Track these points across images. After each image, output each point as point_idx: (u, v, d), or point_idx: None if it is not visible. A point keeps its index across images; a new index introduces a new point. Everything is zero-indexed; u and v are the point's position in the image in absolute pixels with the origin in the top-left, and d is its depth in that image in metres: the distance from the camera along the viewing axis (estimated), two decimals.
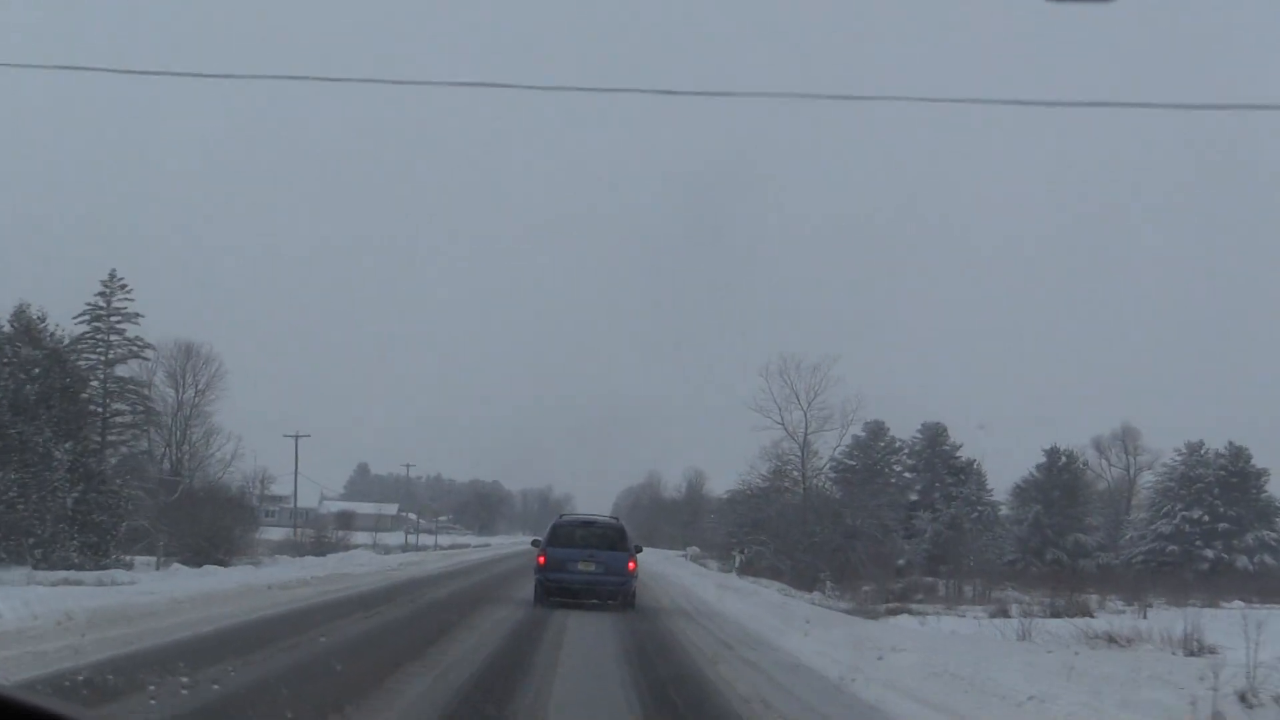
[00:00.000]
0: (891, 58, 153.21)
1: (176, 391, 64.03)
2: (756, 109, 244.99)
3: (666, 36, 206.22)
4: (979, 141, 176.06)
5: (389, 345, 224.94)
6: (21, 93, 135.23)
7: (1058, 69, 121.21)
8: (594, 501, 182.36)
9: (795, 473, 63.51)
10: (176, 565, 32.04)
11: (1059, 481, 77.62)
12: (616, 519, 28.00)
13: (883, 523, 57.00)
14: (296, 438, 69.08)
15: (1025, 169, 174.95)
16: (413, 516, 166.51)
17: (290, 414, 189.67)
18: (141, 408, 44.85)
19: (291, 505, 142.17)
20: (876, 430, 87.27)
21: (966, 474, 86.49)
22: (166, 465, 62.87)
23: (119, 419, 43.69)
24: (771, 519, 56.45)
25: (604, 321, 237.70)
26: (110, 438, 42.96)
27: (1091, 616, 32.10)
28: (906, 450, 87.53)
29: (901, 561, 66.71)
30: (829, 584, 46.29)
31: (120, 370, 43.72)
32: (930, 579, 48.15)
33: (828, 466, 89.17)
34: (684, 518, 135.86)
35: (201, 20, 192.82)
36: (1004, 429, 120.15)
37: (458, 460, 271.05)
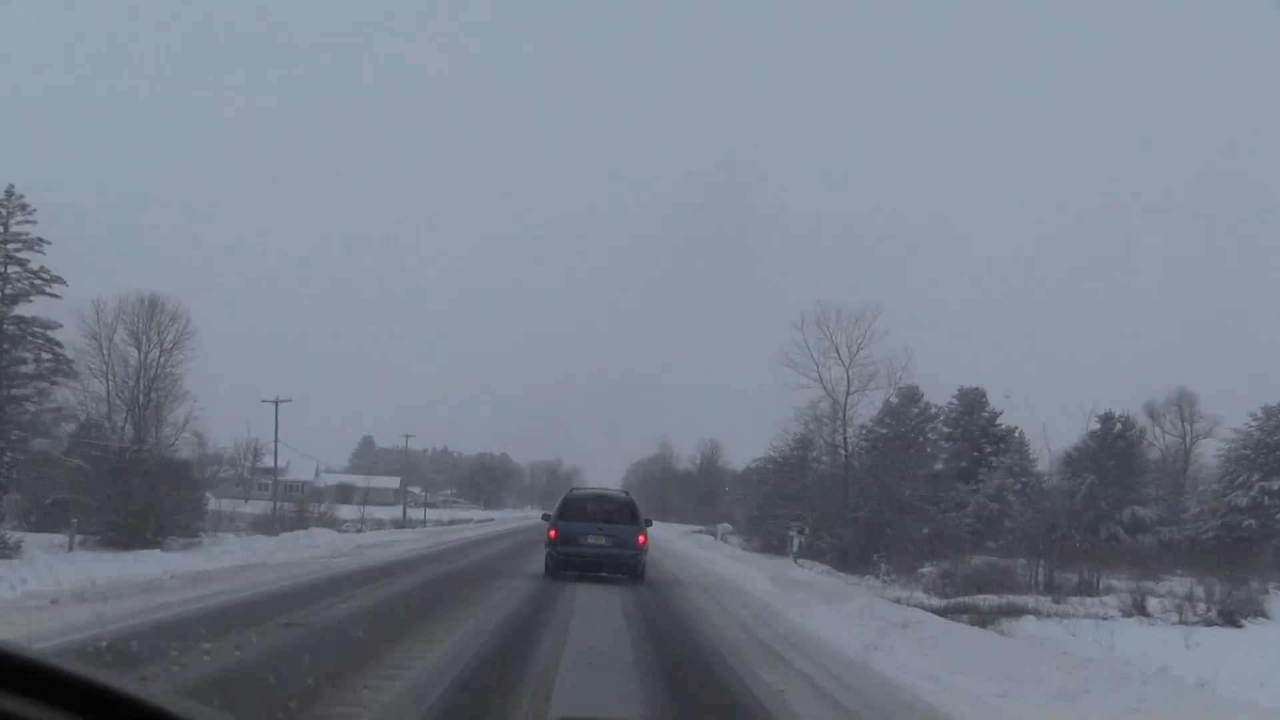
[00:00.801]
0: None
1: (139, 351, 57.70)
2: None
3: None
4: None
5: (396, 317, 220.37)
6: None
7: None
8: (604, 474, 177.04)
9: (835, 437, 56.32)
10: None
11: (1114, 450, 70.79)
12: (627, 493, 27.53)
13: (933, 494, 50.02)
14: (276, 403, 62.67)
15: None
16: (415, 490, 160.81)
17: (293, 387, 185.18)
18: (49, 355, 37.85)
19: (286, 478, 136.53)
20: (910, 395, 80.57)
21: (1006, 443, 79.88)
22: (130, 432, 56.68)
23: (22, 369, 36.69)
24: (808, 491, 49.55)
25: (616, 291, 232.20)
26: (13, 390, 36.16)
27: None
28: (942, 417, 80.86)
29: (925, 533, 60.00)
30: (884, 567, 39.63)
31: (22, 310, 36.56)
32: (997, 560, 41.50)
33: (859, 434, 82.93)
34: (698, 491, 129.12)
35: None
36: (1043, 396, 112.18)
37: (465, 434, 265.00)
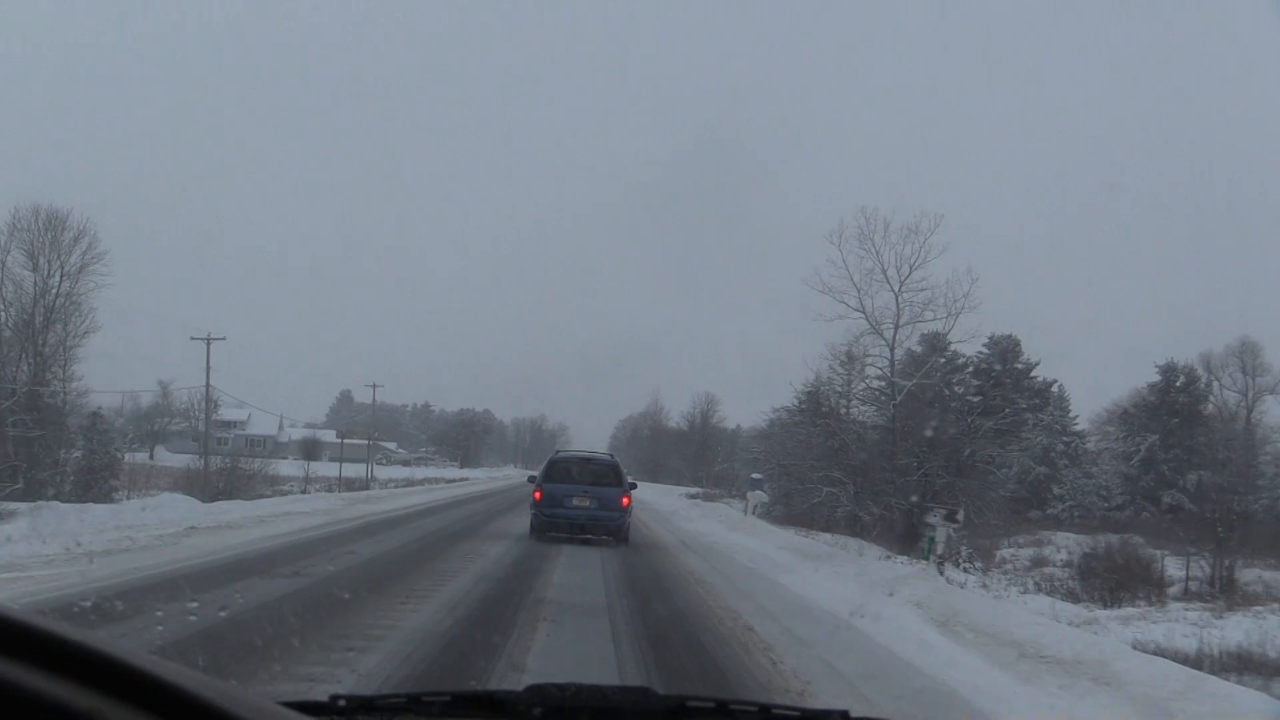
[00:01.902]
0: None
1: (35, 275, 48.15)
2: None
3: None
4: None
5: (377, 271, 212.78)
6: None
7: None
8: (590, 432, 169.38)
9: (868, 384, 46.43)
10: None
11: (1176, 406, 61.88)
12: (611, 455, 27.50)
13: (994, 455, 40.51)
14: (209, 340, 53.13)
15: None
16: (391, 446, 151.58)
17: (275, 338, 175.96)
18: None
19: (248, 432, 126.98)
20: (933, 343, 71.54)
21: (1043, 398, 71.09)
22: (25, 370, 47.41)
23: None
24: (848, 449, 40.03)
25: (605, 243, 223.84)
26: None
27: None
28: (971, 369, 71.81)
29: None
30: (964, 550, 30.31)
31: None
32: (1117, 542, 32.66)
33: (874, 388, 74.42)
34: (693, 449, 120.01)
35: None
36: (1083, 348, 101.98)
37: (450, 390, 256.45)
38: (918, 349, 70.92)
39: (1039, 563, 29.04)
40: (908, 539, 30.93)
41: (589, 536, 23.05)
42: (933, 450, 38.37)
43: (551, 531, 23.27)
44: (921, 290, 44.19)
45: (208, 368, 53.73)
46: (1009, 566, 30.59)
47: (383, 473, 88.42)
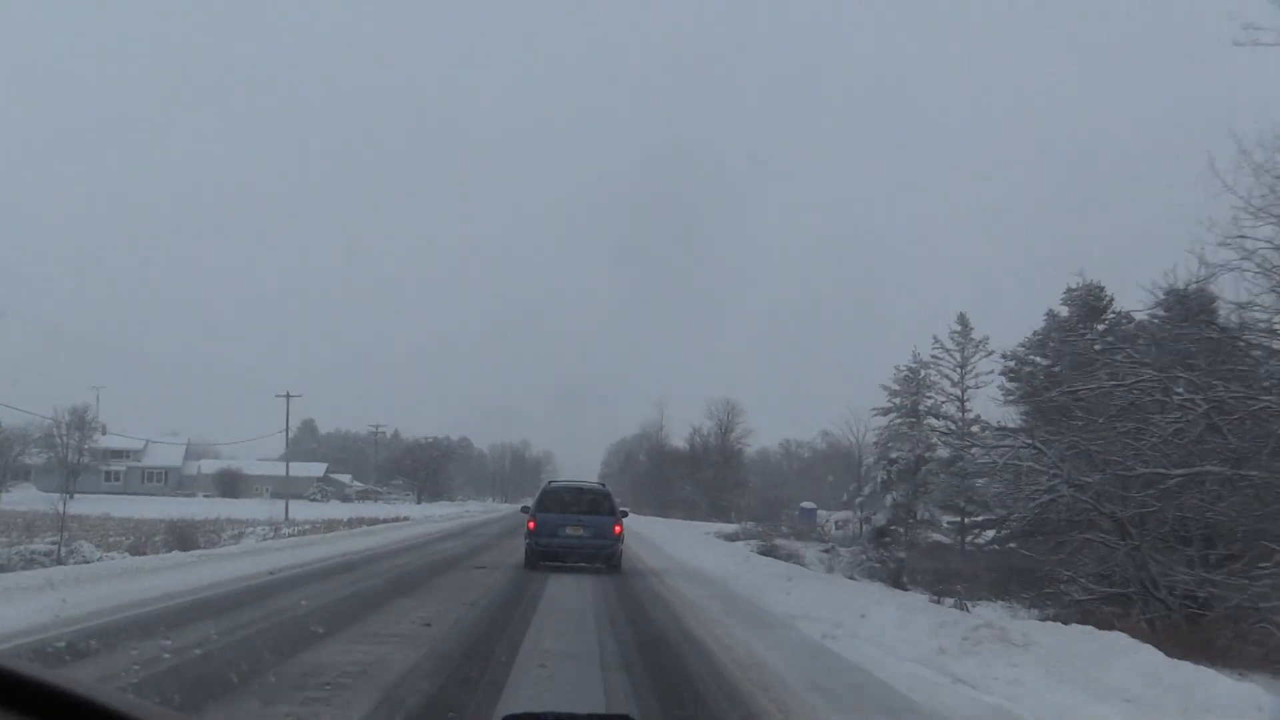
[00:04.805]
0: None
1: None
2: None
3: None
4: None
5: (343, 296, 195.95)
6: None
7: None
8: (578, 457, 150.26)
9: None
10: None
11: None
12: (603, 485, 28.47)
13: None
14: None
15: None
16: (344, 478, 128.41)
17: (253, 367, 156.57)
18: None
19: (144, 464, 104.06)
20: (1090, 300, 49.79)
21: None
22: None
23: None
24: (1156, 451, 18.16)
25: (585, 253, 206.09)
26: None
27: None
28: (1143, 339, 50.16)
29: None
30: None
31: None
32: None
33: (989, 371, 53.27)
34: (710, 474, 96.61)
35: None
36: None
37: (424, 418, 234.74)
38: (1063, 310, 49.75)
39: None
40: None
41: (583, 565, 23.45)
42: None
43: (546, 560, 23.76)
44: None
45: None
46: None
47: (310, 511, 65.46)
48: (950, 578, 37.68)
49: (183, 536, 30.32)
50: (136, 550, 29.16)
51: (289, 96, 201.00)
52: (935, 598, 33.96)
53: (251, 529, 40.70)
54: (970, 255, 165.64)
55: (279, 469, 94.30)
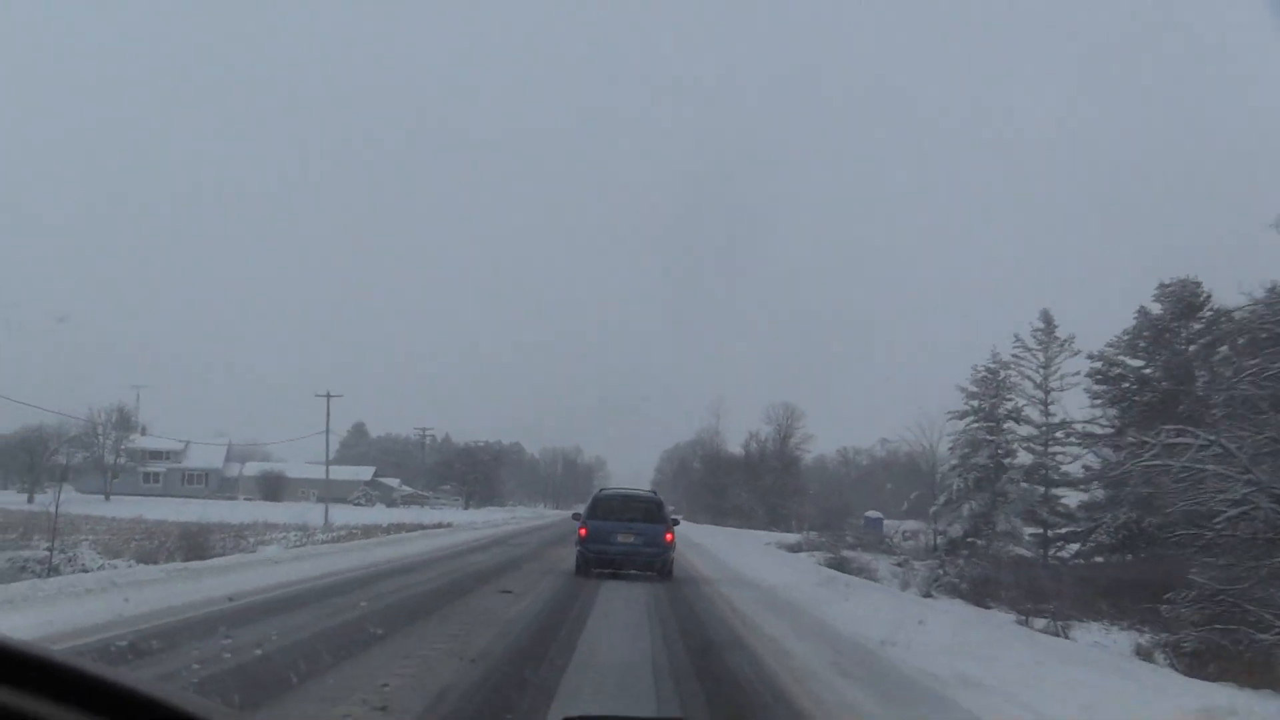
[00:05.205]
0: None
1: None
2: None
3: None
4: None
5: (401, 303, 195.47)
6: None
7: None
8: (631, 464, 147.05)
9: None
10: None
11: None
12: (654, 492, 29.64)
13: None
14: None
15: None
16: (392, 482, 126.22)
17: (306, 371, 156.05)
18: None
19: (184, 465, 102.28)
20: (1184, 298, 45.97)
21: None
22: None
23: None
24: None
25: (641, 257, 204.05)
26: None
27: None
28: (1246, 336, 46.53)
29: None
30: None
31: None
32: None
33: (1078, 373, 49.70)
34: (768, 481, 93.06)
35: None
36: None
37: (477, 423, 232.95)
38: (1157, 308, 45.88)
39: None
40: None
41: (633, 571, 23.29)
42: None
43: (598, 567, 23.66)
44: None
45: None
46: None
47: (352, 516, 62.94)
48: (1034, 594, 34.31)
49: (195, 544, 27.61)
50: (147, 557, 26.60)
51: (304, 97, 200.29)
52: (1022, 618, 30.50)
53: (282, 535, 38.04)
54: (1041, 258, 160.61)
55: (324, 472, 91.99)
